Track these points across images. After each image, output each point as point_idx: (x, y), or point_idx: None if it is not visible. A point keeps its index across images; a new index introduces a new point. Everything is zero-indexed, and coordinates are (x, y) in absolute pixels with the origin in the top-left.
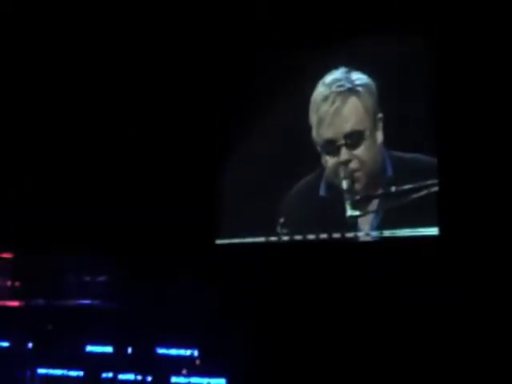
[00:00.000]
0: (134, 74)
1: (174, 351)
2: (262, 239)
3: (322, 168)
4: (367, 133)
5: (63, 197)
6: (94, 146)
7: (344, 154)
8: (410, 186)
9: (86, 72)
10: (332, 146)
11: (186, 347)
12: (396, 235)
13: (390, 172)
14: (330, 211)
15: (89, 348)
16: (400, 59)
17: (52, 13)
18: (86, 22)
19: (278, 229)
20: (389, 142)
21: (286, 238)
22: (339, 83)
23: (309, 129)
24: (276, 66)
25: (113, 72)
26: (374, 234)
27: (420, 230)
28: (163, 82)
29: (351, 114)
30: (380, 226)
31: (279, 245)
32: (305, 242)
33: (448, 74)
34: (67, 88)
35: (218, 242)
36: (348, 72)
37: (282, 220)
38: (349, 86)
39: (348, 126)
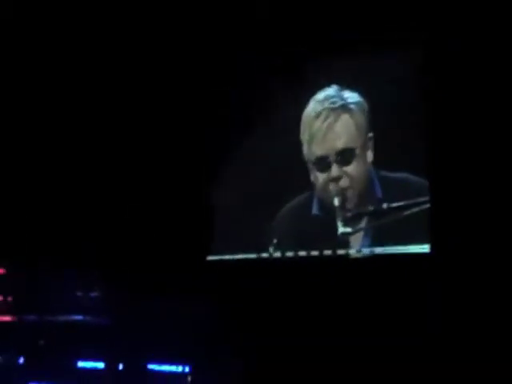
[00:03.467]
0: (120, 92)
1: (165, 367)
2: (253, 256)
3: (313, 187)
4: (358, 151)
5: (55, 211)
6: (83, 158)
7: (335, 170)
8: (401, 203)
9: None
10: (323, 163)
11: (178, 363)
12: (387, 252)
13: (379, 193)
14: (322, 229)
15: (80, 364)
16: (394, 79)
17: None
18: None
19: (271, 249)
20: (378, 162)
21: (277, 255)
22: (332, 100)
23: (300, 147)
24: (269, 83)
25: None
26: (366, 251)
27: (412, 247)
28: (154, 98)
29: (343, 131)
30: (371, 243)
31: (270, 261)
32: (296, 258)
33: (442, 95)
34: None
35: (210, 258)
36: (340, 90)
37: (275, 241)
38: (341, 102)
39: (340, 143)
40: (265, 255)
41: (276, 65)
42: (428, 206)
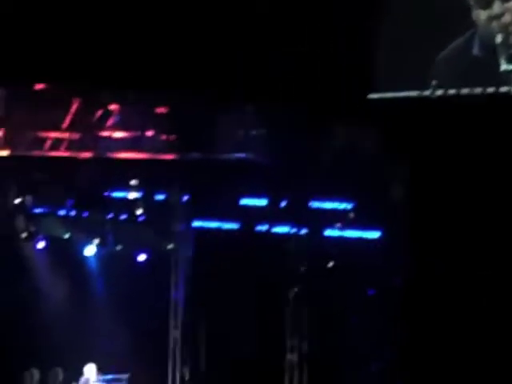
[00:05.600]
0: None
1: (328, 204)
2: (414, 93)
3: (474, 28)
4: None
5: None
6: None
7: (497, 7)
8: None
9: None
10: (484, 0)
11: (340, 200)
12: None
13: None
14: (484, 69)
15: (243, 201)
16: None
17: None
18: None
19: (432, 90)
20: None
21: (439, 93)
22: None
23: None
24: None
25: None
26: None
27: None
28: None
29: None
30: None
31: (432, 99)
32: (458, 96)
33: None
34: None
35: (371, 96)
36: None
37: (434, 82)
38: None
39: None
40: (426, 93)
41: None
42: None
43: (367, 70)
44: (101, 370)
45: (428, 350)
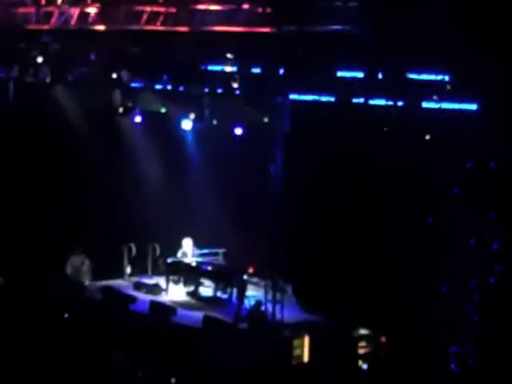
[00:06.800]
0: None
1: (425, 76)
2: None
3: None
4: None
5: None
6: None
7: None
8: None
9: None
10: None
11: (438, 72)
12: None
13: None
14: None
15: (340, 73)
16: None
17: None
18: None
19: None
20: None
21: None
22: None
23: None
24: None
25: None
26: None
27: None
28: None
29: None
30: None
31: None
32: None
33: None
34: None
35: None
36: None
37: None
38: None
39: None
40: None
41: None
42: None
43: None
44: (197, 244)
45: None
